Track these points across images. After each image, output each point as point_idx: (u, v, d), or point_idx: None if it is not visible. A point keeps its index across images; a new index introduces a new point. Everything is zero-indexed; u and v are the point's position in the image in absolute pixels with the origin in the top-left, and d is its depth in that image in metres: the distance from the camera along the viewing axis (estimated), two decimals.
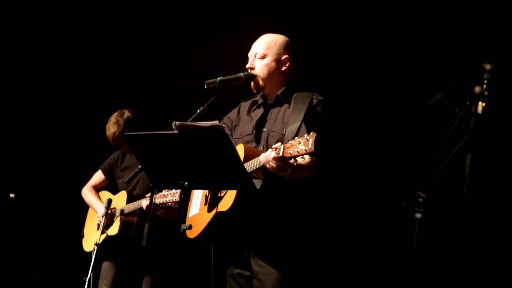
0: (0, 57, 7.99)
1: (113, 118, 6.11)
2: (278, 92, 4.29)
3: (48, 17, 7.91)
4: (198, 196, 4.40)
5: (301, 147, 3.58)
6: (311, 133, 3.57)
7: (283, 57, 4.30)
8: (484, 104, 2.39)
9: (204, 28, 7.40)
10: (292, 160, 3.68)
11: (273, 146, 3.75)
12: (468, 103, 2.41)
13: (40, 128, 8.09)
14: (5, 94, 8.05)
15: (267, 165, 3.79)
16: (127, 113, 6.12)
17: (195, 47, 7.44)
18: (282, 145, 3.69)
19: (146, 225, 4.04)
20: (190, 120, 4.13)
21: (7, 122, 8.05)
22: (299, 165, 3.88)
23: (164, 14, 7.65)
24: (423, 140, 6.17)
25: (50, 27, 7.94)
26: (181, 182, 3.73)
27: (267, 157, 3.77)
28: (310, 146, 3.54)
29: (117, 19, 7.79)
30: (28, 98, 8.09)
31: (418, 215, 2.92)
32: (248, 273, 4.16)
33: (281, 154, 3.68)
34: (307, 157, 3.77)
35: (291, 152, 3.62)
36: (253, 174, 3.93)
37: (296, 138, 3.63)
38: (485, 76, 2.37)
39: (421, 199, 2.91)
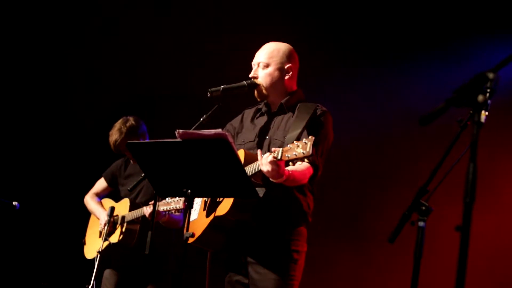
0: (4, 66, 8.02)
1: (117, 125, 6.10)
2: (282, 101, 4.29)
3: (52, 24, 7.95)
4: (197, 202, 4.40)
5: (299, 150, 3.56)
6: (310, 137, 3.56)
7: (286, 66, 4.29)
8: (487, 113, 2.39)
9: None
10: (290, 165, 3.67)
11: (272, 149, 3.74)
12: (471, 112, 2.42)
13: (43, 136, 8.10)
14: (9, 102, 8.07)
15: (263, 168, 3.77)
16: (131, 121, 6.10)
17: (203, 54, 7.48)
18: (281, 148, 3.68)
19: (149, 233, 4.04)
20: (193, 128, 4.14)
21: (11, 130, 8.06)
22: (294, 172, 3.88)
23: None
24: (426, 149, 6.18)
25: (55, 35, 7.98)
26: (184, 190, 3.74)
27: (265, 159, 3.75)
28: (308, 149, 3.52)
29: (125, 26, 7.83)
30: (32, 106, 8.11)
31: (421, 224, 2.92)
32: (246, 281, 4.15)
33: (279, 157, 3.66)
34: (305, 163, 3.77)
35: (289, 155, 3.61)
36: (252, 179, 3.92)
37: (294, 142, 3.62)
38: (488, 84, 2.37)
39: (424, 208, 2.91)
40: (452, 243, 2.63)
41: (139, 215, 5.81)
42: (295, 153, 3.58)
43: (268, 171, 3.75)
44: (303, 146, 3.55)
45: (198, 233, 4.17)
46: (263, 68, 4.28)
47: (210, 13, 7.61)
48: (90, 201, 6.36)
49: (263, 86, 4.27)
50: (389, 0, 6.84)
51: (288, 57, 4.32)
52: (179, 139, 3.59)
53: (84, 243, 6.36)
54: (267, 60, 4.29)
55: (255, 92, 4.29)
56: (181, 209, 5.16)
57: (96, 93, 8.06)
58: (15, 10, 7.93)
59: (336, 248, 6.69)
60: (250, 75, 4.31)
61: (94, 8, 7.89)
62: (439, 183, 2.92)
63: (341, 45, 6.93)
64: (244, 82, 4.28)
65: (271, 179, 3.83)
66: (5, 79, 8.07)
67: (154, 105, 7.69)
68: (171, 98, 7.72)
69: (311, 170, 4.02)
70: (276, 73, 4.28)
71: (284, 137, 4.09)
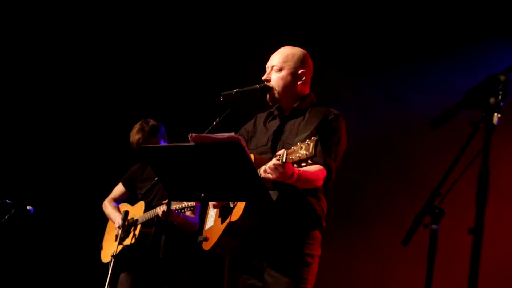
0: (22, 71, 8.07)
1: (137, 126, 6.11)
2: (294, 105, 4.30)
3: (78, 26, 8.01)
4: (213, 209, 4.41)
5: (302, 152, 3.56)
6: (312, 138, 3.56)
7: (300, 71, 4.30)
8: (499, 115, 2.39)
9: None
10: (295, 165, 3.67)
11: (277, 153, 3.74)
12: (483, 114, 2.41)
13: (60, 140, 8.14)
14: (26, 106, 8.11)
15: (271, 176, 3.76)
16: (152, 121, 6.12)
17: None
18: (285, 151, 3.68)
19: (163, 237, 4.05)
20: (206, 132, 4.14)
21: (27, 135, 8.10)
22: (305, 172, 3.88)
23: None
24: (438, 152, 6.18)
25: (77, 39, 8.04)
26: (198, 193, 3.75)
27: (269, 167, 3.74)
28: (310, 150, 3.52)
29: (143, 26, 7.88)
30: (48, 110, 8.15)
31: (434, 226, 2.92)
32: (261, 284, 4.14)
33: (284, 160, 3.66)
34: (317, 165, 3.77)
35: (293, 157, 3.61)
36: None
37: (298, 143, 3.62)
38: (500, 87, 2.37)
39: (437, 211, 2.91)
40: (465, 245, 2.63)
41: (153, 215, 5.81)
42: (298, 155, 3.58)
43: (275, 178, 3.76)
44: (306, 147, 3.55)
45: (214, 239, 4.18)
46: (276, 72, 4.29)
47: (222, 15, 7.64)
48: (107, 206, 6.39)
49: (275, 89, 4.27)
50: (396, 6, 6.86)
51: (302, 62, 4.33)
52: (192, 143, 3.60)
53: (101, 248, 6.38)
54: (281, 64, 4.29)
55: (267, 96, 4.29)
56: (193, 207, 5.17)
57: (113, 98, 8.09)
58: (34, 18, 8.00)
59: (348, 251, 6.69)
60: (263, 78, 4.32)
61: (108, 10, 7.95)
62: (452, 185, 2.92)
63: (349, 50, 6.96)
64: (257, 86, 4.28)
65: (283, 181, 3.84)
66: (21, 84, 8.12)
67: (169, 109, 7.70)
68: (183, 101, 7.75)
69: (325, 172, 4.03)
70: (289, 78, 4.28)
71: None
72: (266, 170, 3.77)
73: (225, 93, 4.23)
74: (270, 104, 4.34)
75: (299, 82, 4.30)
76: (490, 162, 2.29)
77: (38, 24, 8.02)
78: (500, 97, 2.37)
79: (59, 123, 8.17)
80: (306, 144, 3.55)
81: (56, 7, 7.96)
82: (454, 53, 6.52)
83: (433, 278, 2.92)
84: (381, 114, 6.78)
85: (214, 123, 4.29)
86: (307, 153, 3.53)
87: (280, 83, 4.27)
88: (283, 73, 4.28)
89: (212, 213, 4.39)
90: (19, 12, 7.96)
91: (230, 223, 4.08)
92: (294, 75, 4.29)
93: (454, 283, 5.51)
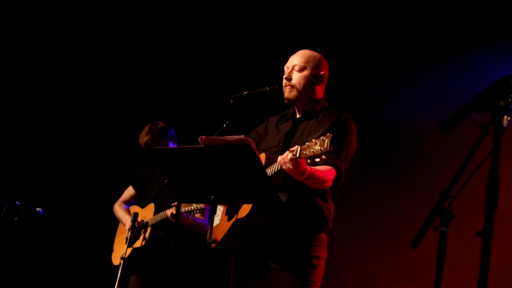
0: (31, 70, 8.11)
1: (146, 128, 6.15)
2: (307, 107, 4.31)
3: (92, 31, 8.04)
4: (220, 208, 4.40)
5: (317, 147, 3.56)
6: (327, 134, 3.57)
7: (321, 73, 4.32)
8: (509, 118, 2.39)
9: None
10: (309, 161, 3.67)
11: (291, 149, 3.74)
12: (493, 116, 2.41)
13: (71, 143, 8.16)
14: (36, 108, 8.14)
15: (284, 167, 3.76)
16: (161, 124, 6.16)
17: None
18: (299, 146, 3.69)
19: (172, 239, 4.05)
20: (216, 134, 4.15)
21: (37, 136, 8.13)
22: (317, 171, 3.88)
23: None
24: (448, 154, 6.18)
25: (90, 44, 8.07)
26: (207, 195, 3.75)
27: (284, 158, 3.74)
28: (325, 146, 3.52)
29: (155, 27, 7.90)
30: (59, 112, 8.18)
31: (444, 229, 2.92)
32: (267, 286, 4.13)
33: (297, 155, 3.66)
34: (327, 166, 3.79)
35: (307, 153, 3.61)
36: (273, 181, 3.90)
37: (313, 140, 3.61)
38: (510, 89, 2.37)
39: (446, 213, 2.91)
40: (474, 248, 2.63)
41: (163, 218, 5.82)
42: (313, 150, 3.58)
43: (289, 169, 3.76)
44: (320, 143, 3.55)
45: (219, 238, 4.17)
46: (299, 71, 4.29)
47: (233, 18, 7.66)
48: (118, 208, 6.41)
49: (296, 87, 4.28)
50: (394, 11, 6.87)
51: (323, 64, 4.36)
52: (201, 145, 3.61)
53: (112, 250, 6.40)
54: (303, 64, 4.30)
55: (284, 93, 4.29)
56: (202, 209, 5.18)
57: (123, 100, 8.12)
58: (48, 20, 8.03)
59: (358, 252, 6.68)
60: (284, 76, 4.32)
61: (120, 13, 7.98)
62: (461, 188, 2.92)
63: (356, 50, 6.97)
64: (267, 88, 4.30)
65: (294, 177, 3.84)
66: (33, 87, 8.15)
67: (179, 111, 7.72)
68: (193, 103, 7.76)
69: (334, 173, 4.03)
70: (311, 77, 4.29)
71: None
72: (280, 161, 3.78)
73: (235, 95, 4.25)
74: (286, 102, 4.33)
75: (319, 84, 4.33)
76: (500, 165, 2.29)
77: (59, 30, 8.07)
78: (510, 99, 2.37)
79: (69, 126, 8.19)
80: (321, 140, 3.55)
81: (72, 9, 8.00)
82: (452, 56, 6.52)
83: (443, 281, 2.92)
84: (386, 115, 6.78)
85: (224, 125, 4.30)
86: (322, 148, 3.54)
87: (302, 82, 4.28)
88: (306, 72, 4.29)
89: (219, 212, 4.39)
90: (44, 18, 8.02)
91: (237, 220, 4.07)
92: (316, 76, 4.31)
93: (464, 286, 5.49)
